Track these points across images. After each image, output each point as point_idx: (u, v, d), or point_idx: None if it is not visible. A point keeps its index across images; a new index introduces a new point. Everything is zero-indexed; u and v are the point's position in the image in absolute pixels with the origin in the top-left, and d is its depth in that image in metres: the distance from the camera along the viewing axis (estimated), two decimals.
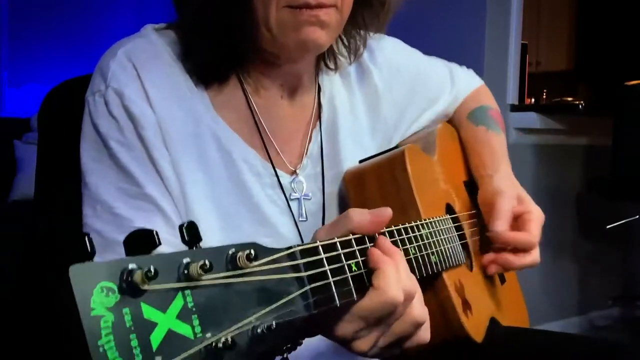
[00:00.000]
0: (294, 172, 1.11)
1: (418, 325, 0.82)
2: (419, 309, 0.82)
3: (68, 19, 5.70)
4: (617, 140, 3.31)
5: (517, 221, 1.21)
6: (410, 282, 0.80)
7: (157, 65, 1.02)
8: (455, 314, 1.04)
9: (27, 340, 1.27)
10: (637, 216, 3.71)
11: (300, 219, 1.10)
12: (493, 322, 1.19)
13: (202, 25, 1.01)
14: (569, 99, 4.26)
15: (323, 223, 1.12)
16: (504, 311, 1.28)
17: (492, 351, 1.13)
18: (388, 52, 1.29)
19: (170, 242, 0.95)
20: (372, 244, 0.81)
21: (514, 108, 3.54)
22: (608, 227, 3.69)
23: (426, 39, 3.31)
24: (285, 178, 1.09)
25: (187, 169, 1.00)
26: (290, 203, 1.09)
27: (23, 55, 5.72)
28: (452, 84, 1.39)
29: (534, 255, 1.19)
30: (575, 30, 6.55)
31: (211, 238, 0.99)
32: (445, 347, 1.05)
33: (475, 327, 1.09)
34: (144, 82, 0.99)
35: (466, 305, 1.09)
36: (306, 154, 1.14)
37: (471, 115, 1.38)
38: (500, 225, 1.18)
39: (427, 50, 1.40)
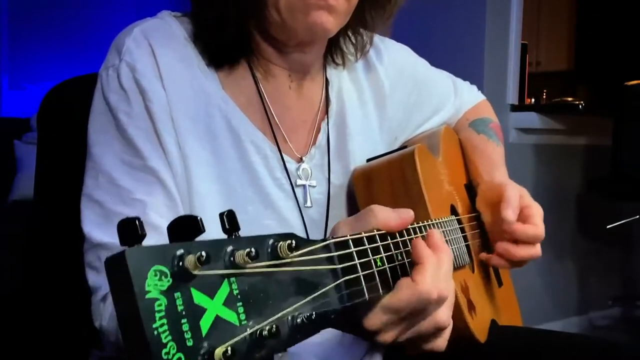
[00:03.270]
0: (300, 160, 1.12)
1: (439, 329, 0.83)
2: (445, 314, 0.82)
3: (68, 19, 5.69)
4: (617, 140, 3.32)
5: (520, 214, 1.21)
6: (446, 284, 0.80)
7: (171, 45, 1.04)
8: (462, 314, 1.05)
9: (30, 338, 1.27)
10: (637, 216, 3.72)
11: (305, 206, 1.11)
12: (492, 323, 1.20)
13: (213, 5, 1.03)
14: (569, 99, 4.25)
15: (327, 212, 1.13)
16: (502, 313, 1.29)
17: (492, 350, 1.13)
18: (394, 53, 1.31)
19: (167, 216, 0.96)
20: (417, 235, 0.82)
21: (514, 108, 3.54)
22: (608, 227, 3.69)
23: (426, 39, 3.34)
24: (291, 164, 1.10)
25: (194, 147, 1.01)
26: (296, 189, 1.10)
27: (23, 55, 5.70)
28: (455, 96, 1.42)
29: (537, 248, 1.20)
30: (575, 30, 6.57)
31: (215, 216, 0.99)
32: (447, 347, 1.06)
33: (479, 327, 1.10)
34: (158, 60, 1.01)
35: (471, 305, 1.10)
36: (314, 144, 1.15)
37: (473, 124, 1.41)
38: (512, 215, 1.18)
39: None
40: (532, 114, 3.59)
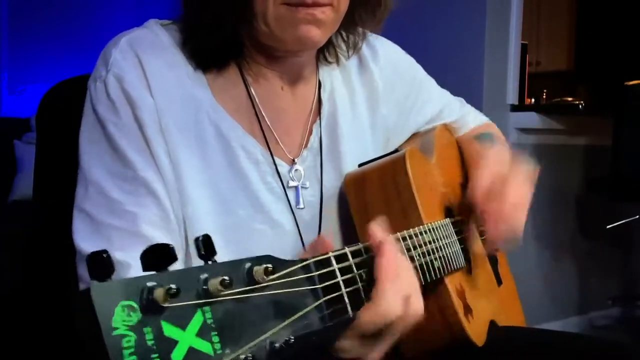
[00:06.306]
0: (292, 162, 1.12)
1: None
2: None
3: (68, 19, 5.68)
4: (617, 140, 3.31)
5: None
6: (408, 283, 0.81)
7: (159, 54, 1.03)
8: (457, 318, 1.05)
9: (30, 338, 1.27)
10: (637, 216, 3.71)
11: (297, 207, 1.10)
12: (492, 324, 1.20)
13: (202, 15, 1.03)
14: (569, 99, 4.25)
15: (320, 214, 1.13)
16: (502, 313, 1.29)
17: (492, 350, 1.13)
18: (390, 53, 1.31)
19: (159, 227, 0.96)
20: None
21: (514, 108, 3.52)
22: (608, 227, 3.69)
23: (426, 39, 3.32)
24: (283, 167, 1.10)
25: (185, 155, 1.01)
26: (288, 191, 1.10)
27: (23, 55, 5.71)
28: (460, 113, 1.41)
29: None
30: (575, 30, 6.56)
31: (207, 222, 1.01)
32: (445, 349, 1.06)
33: (477, 330, 1.10)
34: (146, 70, 1.01)
35: (467, 309, 1.09)
36: (306, 146, 1.14)
37: (478, 136, 1.38)
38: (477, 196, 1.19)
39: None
40: (532, 114, 3.58)
